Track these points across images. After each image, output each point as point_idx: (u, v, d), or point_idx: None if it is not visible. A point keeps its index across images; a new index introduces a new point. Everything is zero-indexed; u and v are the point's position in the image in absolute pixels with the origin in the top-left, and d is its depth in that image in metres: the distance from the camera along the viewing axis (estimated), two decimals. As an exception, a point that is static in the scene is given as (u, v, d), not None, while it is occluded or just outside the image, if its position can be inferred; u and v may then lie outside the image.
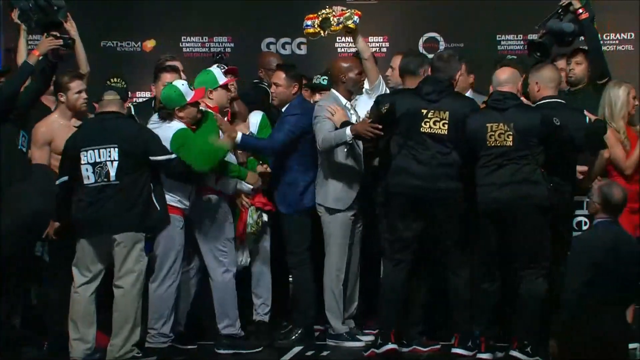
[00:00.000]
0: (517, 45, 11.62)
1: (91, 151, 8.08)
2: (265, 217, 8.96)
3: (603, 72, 9.30)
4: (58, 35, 8.88)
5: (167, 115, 8.42)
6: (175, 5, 11.82)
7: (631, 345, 8.11)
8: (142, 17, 11.86)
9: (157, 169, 8.20)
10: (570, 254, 7.64)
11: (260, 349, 8.71)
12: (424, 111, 8.34)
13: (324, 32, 9.38)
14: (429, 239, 8.44)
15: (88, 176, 8.08)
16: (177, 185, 8.40)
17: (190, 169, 8.27)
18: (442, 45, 11.58)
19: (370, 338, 8.77)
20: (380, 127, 8.36)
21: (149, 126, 8.46)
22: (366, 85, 9.32)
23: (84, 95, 8.78)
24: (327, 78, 9.48)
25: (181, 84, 8.44)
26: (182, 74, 9.12)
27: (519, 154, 8.22)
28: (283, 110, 8.98)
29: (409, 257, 8.38)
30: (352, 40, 9.66)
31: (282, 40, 11.86)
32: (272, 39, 11.86)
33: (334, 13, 9.30)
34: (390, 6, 11.49)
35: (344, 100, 8.93)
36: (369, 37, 11.52)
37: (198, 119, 8.51)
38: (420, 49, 11.47)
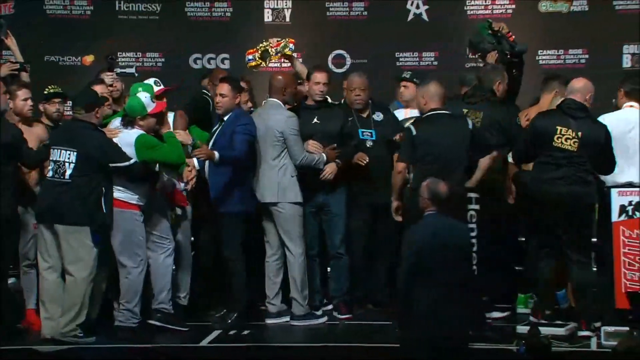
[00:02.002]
0: (414, 61, 11.65)
1: (57, 150, 8.24)
2: (179, 211, 9.00)
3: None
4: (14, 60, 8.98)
5: (129, 122, 8.50)
6: (112, 24, 11.74)
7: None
8: (82, 34, 11.74)
9: (111, 176, 8.27)
10: (402, 243, 7.70)
11: (187, 328, 8.75)
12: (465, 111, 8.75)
13: (265, 62, 9.52)
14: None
15: (50, 169, 8.27)
16: (136, 186, 8.46)
17: (147, 172, 8.41)
18: (348, 61, 11.64)
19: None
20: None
21: (120, 129, 8.54)
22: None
23: (29, 102, 8.84)
24: None
25: (144, 97, 8.51)
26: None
27: (580, 160, 8.38)
28: (225, 119, 8.91)
29: None
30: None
31: (208, 55, 11.82)
32: (198, 55, 11.81)
33: (271, 45, 9.50)
34: (303, 27, 11.54)
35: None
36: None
37: (156, 130, 8.59)
38: (330, 64, 11.51)
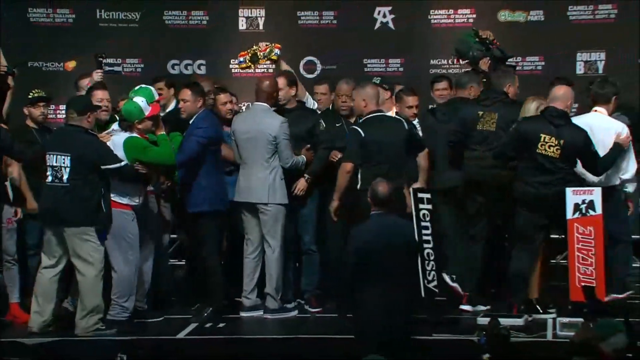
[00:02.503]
0: (381, 67, 11.67)
1: (52, 155, 8.25)
2: None
3: None
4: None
5: (127, 127, 8.53)
6: (93, 31, 11.71)
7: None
8: (64, 41, 11.71)
9: (107, 177, 8.29)
10: (347, 242, 7.79)
11: (161, 318, 8.85)
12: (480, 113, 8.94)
13: (254, 64, 9.62)
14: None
15: (48, 175, 8.27)
16: (128, 187, 8.46)
17: (138, 174, 8.43)
18: (318, 67, 11.66)
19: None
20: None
21: (114, 133, 8.56)
22: None
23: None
24: None
25: (140, 101, 8.51)
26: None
27: (562, 164, 8.56)
28: (190, 122, 8.91)
29: None
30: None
31: (185, 61, 11.80)
32: (176, 61, 11.79)
33: (260, 49, 9.56)
34: (276, 35, 11.53)
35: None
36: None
37: (152, 131, 8.63)
38: (301, 70, 11.51)
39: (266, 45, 9.63)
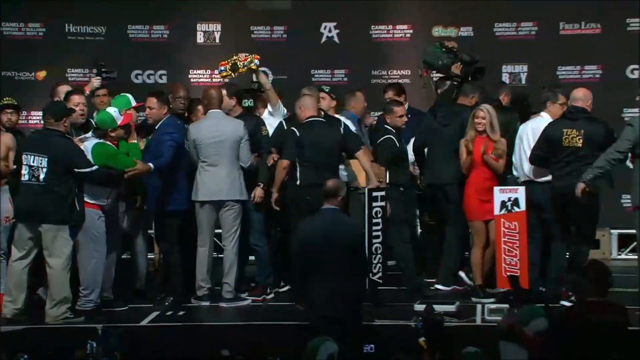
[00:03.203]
0: (327, 77, 11.63)
1: (29, 156, 8.15)
2: None
3: None
4: None
5: (101, 134, 8.48)
6: (63, 44, 11.60)
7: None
8: (36, 53, 11.59)
9: (80, 178, 8.20)
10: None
11: (126, 307, 8.81)
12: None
13: (234, 73, 9.49)
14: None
15: (24, 174, 8.17)
16: (97, 189, 8.41)
17: (108, 178, 8.38)
18: (270, 77, 11.57)
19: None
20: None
21: (85, 140, 8.51)
22: (269, 107, 9.55)
23: None
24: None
25: (113, 111, 8.50)
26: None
27: (584, 154, 8.51)
28: (157, 127, 8.82)
29: None
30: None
31: (147, 72, 11.69)
32: (139, 71, 11.68)
33: (240, 59, 9.45)
34: (231, 48, 11.45)
35: None
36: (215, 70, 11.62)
37: (124, 138, 8.60)
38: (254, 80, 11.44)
39: (246, 56, 9.52)
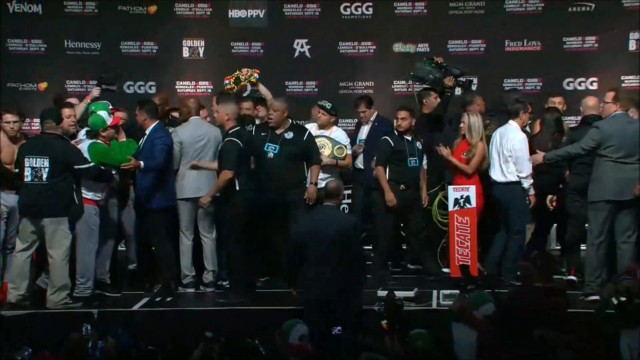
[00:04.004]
0: (299, 89, 11.57)
1: (32, 158, 8.11)
2: None
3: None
4: None
5: (93, 135, 8.49)
6: (62, 58, 11.49)
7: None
8: (38, 66, 11.49)
9: (78, 175, 8.18)
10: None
11: (119, 294, 8.76)
12: None
13: (237, 86, 9.49)
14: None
15: (27, 175, 8.11)
16: (92, 185, 8.39)
17: (102, 173, 8.36)
18: (249, 88, 11.37)
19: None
20: None
21: (80, 142, 8.54)
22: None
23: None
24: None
25: (103, 113, 8.50)
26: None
27: None
28: (147, 132, 8.76)
29: None
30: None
31: (138, 83, 11.59)
32: (131, 82, 11.56)
33: (242, 73, 9.47)
34: (213, 62, 11.49)
35: None
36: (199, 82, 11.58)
37: (114, 137, 8.65)
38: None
39: (247, 70, 9.55)
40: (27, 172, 8.15)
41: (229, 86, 9.52)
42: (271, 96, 9.45)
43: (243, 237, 8.47)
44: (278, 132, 8.92)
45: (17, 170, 8.31)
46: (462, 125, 8.95)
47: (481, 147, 8.86)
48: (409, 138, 9.08)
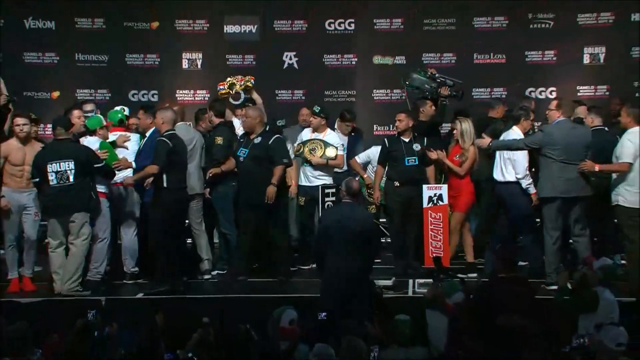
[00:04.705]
0: (288, 97, 11.56)
1: (54, 164, 8.07)
2: None
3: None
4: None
5: (91, 134, 8.54)
6: (73, 69, 11.47)
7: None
8: (51, 77, 11.48)
9: (95, 173, 8.22)
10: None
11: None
12: None
13: (232, 91, 9.38)
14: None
15: (52, 180, 8.07)
16: (101, 180, 8.39)
17: (110, 170, 8.35)
18: (242, 96, 11.33)
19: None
20: None
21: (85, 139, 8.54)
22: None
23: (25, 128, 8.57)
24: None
25: (99, 116, 8.71)
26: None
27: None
28: (147, 134, 8.71)
29: None
30: None
31: (142, 91, 11.55)
32: (135, 91, 11.53)
33: (237, 79, 9.35)
34: (210, 72, 11.45)
35: None
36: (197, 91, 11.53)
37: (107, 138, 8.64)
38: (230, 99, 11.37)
39: (242, 77, 9.47)
40: (52, 177, 8.08)
41: (223, 91, 9.42)
42: (261, 102, 9.38)
43: (169, 230, 8.34)
44: (251, 137, 8.82)
45: (36, 178, 8.20)
46: (454, 131, 8.90)
47: (472, 151, 8.82)
48: (407, 139, 8.99)
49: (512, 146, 8.38)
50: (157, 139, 8.42)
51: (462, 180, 8.83)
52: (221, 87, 9.44)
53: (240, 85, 9.41)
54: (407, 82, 9.47)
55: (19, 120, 8.49)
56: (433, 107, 9.27)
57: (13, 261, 8.49)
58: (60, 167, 8.08)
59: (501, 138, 8.66)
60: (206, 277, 8.85)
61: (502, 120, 9.19)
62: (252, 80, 9.43)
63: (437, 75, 9.39)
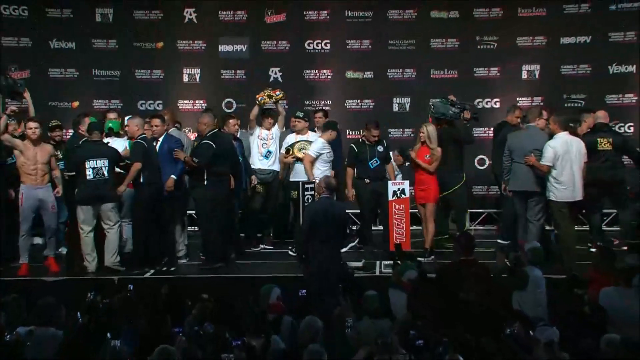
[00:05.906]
0: (272, 105, 11.53)
1: (92, 161, 8.18)
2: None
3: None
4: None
5: (116, 135, 8.77)
6: (90, 82, 11.36)
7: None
8: (72, 88, 11.37)
9: (120, 169, 8.37)
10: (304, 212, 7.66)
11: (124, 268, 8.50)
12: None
13: (270, 100, 9.57)
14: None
15: (89, 174, 8.16)
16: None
17: (129, 167, 8.40)
18: (234, 105, 11.47)
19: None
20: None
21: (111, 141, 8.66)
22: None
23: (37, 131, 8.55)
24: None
25: (119, 121, 9.03)
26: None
27: (615, 156, 8.64)
28: (161, 139, 8.59)
29: None
30: None
31: (149, 101, 11.43)
32: (143, 101, 11.41)
33: (273, 91, 9.60)
34: (207, 85, 11.40)
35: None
36: (196, 101, 11.42)
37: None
38: (223, 107, 11.29)
39: (274, 89, 9.70)
40: (89, 172, 8.20)
41: (264, 100, 9.58)
42: (284, 114, 9.62)
43: (147, 221, 8.34)
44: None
45: (72, 172, 8.40)
46: (421, 134, 8.83)
47: (439, 151, 8.79)
48: (371, 144, 9.03)
49: (504, 163, 8.50)
50: (134, 142, 8.46)
51: (430, 175, 8.79)
52: (260, 97, 9.58)
53: (277, 96, 9.60)
54: (432, 111, 9.37)
55: (31, 124, 8.46)
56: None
57: (25, 248, 8.40)
58: (97, 164, 8.20)
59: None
60: (183, 261, 8.73)
61: (512, 126, 9.19)
62: (283, 92, 9.71)
63: (456, 101, 9.35)
